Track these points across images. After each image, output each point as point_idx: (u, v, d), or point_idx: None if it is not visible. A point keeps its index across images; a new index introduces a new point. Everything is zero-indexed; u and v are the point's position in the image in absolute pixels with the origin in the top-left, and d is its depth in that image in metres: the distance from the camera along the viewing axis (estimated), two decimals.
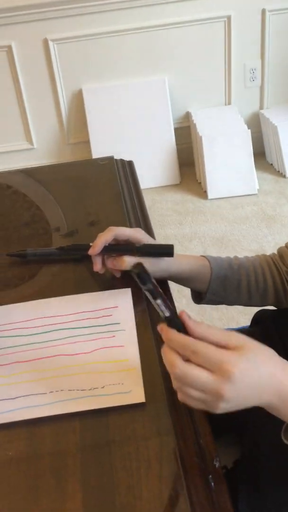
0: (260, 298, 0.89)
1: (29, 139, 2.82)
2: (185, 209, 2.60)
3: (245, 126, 2.66)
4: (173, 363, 0.53)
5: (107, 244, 0.79)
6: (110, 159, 1.23)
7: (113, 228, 0.80)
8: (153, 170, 2.78)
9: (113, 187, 1.12)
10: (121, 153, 2.46)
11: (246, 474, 0.78)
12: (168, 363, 0.54)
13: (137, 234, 0.81)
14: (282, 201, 2.54)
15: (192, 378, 0.52)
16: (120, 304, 0.77)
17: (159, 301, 0.56)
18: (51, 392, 0.63)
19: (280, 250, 0.91)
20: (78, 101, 2.74)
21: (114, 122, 2.74)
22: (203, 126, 2.68)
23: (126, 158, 1.27)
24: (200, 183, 2.77)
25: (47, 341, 0.71)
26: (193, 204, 2.63)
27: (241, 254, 0.94)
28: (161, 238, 2.32)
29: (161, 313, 0.56)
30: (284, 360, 0.58)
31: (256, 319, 1.01)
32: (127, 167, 1.22)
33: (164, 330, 0.56)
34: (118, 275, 0.83)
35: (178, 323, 0.56)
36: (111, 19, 2.55)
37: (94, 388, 0.63)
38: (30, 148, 2.84)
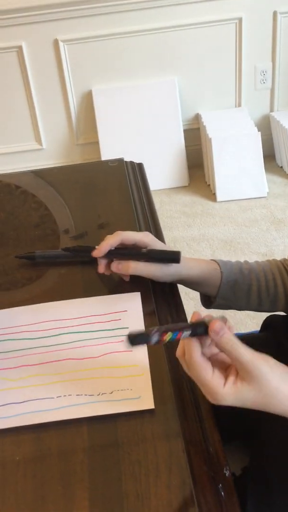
0: (270, 304, 0.87)
1: (38, 139, 2.82)
2: (194, 211, 2.59)
3: (255, 129, 2.64)
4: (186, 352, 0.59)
5: (112, 248, 0.78)
6: (120, 161, 1.22)
7: (120, 233, 0.79)
8: (162, 171, 2.77)
9: (123, 190, 1.11)
10: (130, 154, 2.45)
11: (255, 481, 0.77)
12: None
13: (145, 239, 0.80)
14: None
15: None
16: (129, 308, 0.76)
17: (173, 337, 0.57)
18: (59, 396, 0.63)
19: None
20: (87, 102, 2.74)
21: (123, 123, 2.73)
22: (213, 128, 2.66)
23: (135, 159, 1.26)
24: (209, 185, 2.75)
25: (55, 345, 0.71)
26: (202, 206, 2.62)
27: (250, 257, 0.93)
28: (169, 240, 2.31)
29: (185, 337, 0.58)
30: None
31: (267, 324, 1.00)
32: (137, 169, 1.21)
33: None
34: (126, 279, 0.82)
35: (202, 332, 0.58)
36: (121, 20, 2.55)
37: (103, 394, 0.63)
38: (39, 149, 2.84)
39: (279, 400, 0.57)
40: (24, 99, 2.71)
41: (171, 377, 0.66)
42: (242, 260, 0.89)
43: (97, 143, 2.77)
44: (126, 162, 1.22)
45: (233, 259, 0.89)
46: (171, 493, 0.53)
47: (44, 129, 2.80)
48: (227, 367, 0.60)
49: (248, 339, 1.00)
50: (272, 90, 2.81)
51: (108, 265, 0.81)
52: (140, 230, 0.98)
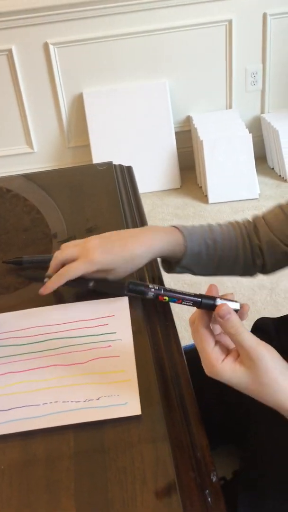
0: (228, 270, 0.89)
1: (29, 143, 2.82)
2: (186, 213, 2.59)
3: (246, 130, 2.65)
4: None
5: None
6: (109, 164, 1.22)
7: (63, 275, 0.76)
8: (153, 174, 2.77)
9: (111, 193, 1.11)
10: (122, 157, 2.45)
11: (245, 485, 0.77)
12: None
13: (89, 271, 0.76)
14: None
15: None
16: (116, 313, 0.75)
17: (173, 299, 0.61)
18: (45, 404, 0.62)
19: (256, 221, 0.90)
20: (78, 105, 2.74)
21: (114, 126, 2.73)
22: (204, 130, 2.67)
23: (127, 161, 1.26)
24: (201, 187, 2.76)
25: (41, 351, 0.70)
26: (194, 208, 2.62)
27: None
28: None
29: (186, 304, 0.62)
30: None
31: (257, 326, 1.00)
32: (126, 173, 1.21)
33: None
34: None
35: (209, 303, 0.60)
36: (111, 23, 2.55)
37: (89, 400, 0.62)
38: (30, 152, 2.84)
39: (274, 391, 0.57)
40: (14, 102, 2.70)
41: (158, 382, 0.66)
42: None
43: (88, 146, 2.77)
44: (115, 165, 1.22)
45: (198, 225, 0.88)
46: (157, 500, 0.53)
47: (35, 132, 2.79)
48: (231, 349, 0.61)
49: None
50: (263, 92, 2.82)
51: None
52: None
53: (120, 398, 0.62)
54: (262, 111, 2.87)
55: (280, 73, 2.77)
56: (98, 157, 2.73)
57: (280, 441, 0.77)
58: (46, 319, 0.76)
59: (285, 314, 0.97)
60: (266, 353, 0.57)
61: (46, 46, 2.57)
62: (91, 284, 0.79)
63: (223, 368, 0.58)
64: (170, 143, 2.76)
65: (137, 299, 0.79)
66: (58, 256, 0.78)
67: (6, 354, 0.70)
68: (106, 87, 2.71)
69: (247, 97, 2.83)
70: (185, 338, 1.81)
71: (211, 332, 0.60)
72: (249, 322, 1.03)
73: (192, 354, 0.92)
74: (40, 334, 0.73)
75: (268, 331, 0.93)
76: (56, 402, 0.62)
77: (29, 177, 1.26)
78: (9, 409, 0.62)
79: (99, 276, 0.78)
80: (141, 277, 0.86)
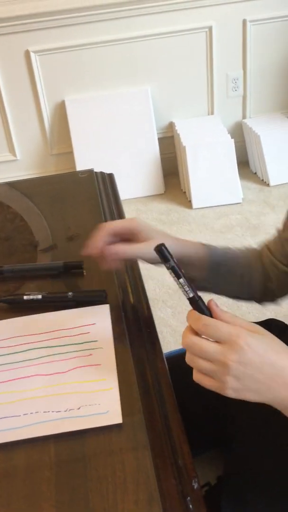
0: (247, 294, 0.89)
1: (12, 150, 2.81)
2: (170, 218, 2.60)
3: (229, 136, 2.67)
4: (184, 335, 0.57)
5: (106, 241, 0.76)
6: (90, 171, 1.22)
7: (104, 226, 0.77)
8: (137, 180, 2.78)
9: (92, 201, 1.11)
10: (105, 164, 2.45)
11: (228, 490, 0.77)
12: (182, 336, 0.58)
13: (130, 226, 0.77)
14: (266, 210, 2.55)
15: (200, 347, 0.56)
16: (98, 321, 0.75)
17: (182, 280, 0.59)
18: (26, 414, 0.62)
19: (260, 246, 0.91)
20: (61, 112, 2.74)
21: (97, 133, 2.73)
22: (187, 136, 2.68)
23: (110, 168, 1.26)
24: (184, 192, 2.77)
25: (22, 361, 0.70)
26: (177, 213, 2.63)
27: None
28: None
29: (184, 294, 0.60)
30: None
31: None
32: (107, 180, 1.21)
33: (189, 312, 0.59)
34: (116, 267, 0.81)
35: (202, 306, 0.59)
36: (93, 31, 2.56)
37: (70, 410, 0.62)
38: (13, 160, 2.83)
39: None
40: None
41: (139, 390, 0.66)
42: None
43: (71, 153, 2.76)
44: (96, 172, 1.22)
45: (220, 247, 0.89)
46: (138, 509, 0.53)
47: (17, 140, 2.78)
48: None
49: None
50: (244, 97, 2.84)
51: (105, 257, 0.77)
52: None
53: (101, 407, 0.62)
54: (244, 117, 2.90)
55: (260, 78, 2.80)
56: (81, 164, 2.73)
57: (263, 447, 0.77)
58: (28, 328, 0.75)
59: (269, 318, 0.98)
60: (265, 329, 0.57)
61: (27, 54, 2.57)
62: (69, 294, 0.79)
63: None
64: (153, 149, 2.77)
65: (118, 307, 0.79)
66: None
67: None
68: (88, 94, 2.71)
69: (229, 103, 2.85)
70: (170, 343, 1.82)
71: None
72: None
73: (177, 360, 0.92)
74: (20, 344, 0.73)
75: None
76: (37, 412, 0.62)
77: (12, 185, 1.25)
78: None
79: None
80: (123, 284, 0.86)
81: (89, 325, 0.75)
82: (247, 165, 2.89)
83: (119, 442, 0.59)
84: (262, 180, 2.78)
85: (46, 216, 1.08)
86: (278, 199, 2.62)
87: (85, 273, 0.87)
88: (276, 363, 0.55)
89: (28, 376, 0.67)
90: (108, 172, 1.25)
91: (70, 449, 0.59)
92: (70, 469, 0.57)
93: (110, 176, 1.23)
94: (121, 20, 2.55)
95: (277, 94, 2.87)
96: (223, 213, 2.57)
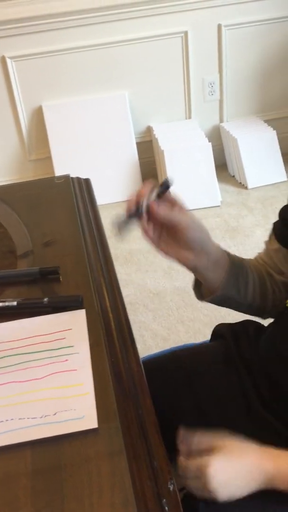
0: (260, 301, 0.88)
1: None
2: None
3: (206, 140, 2.69)
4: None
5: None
6: (66, 177, 1.22)
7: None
8: (116, 184, 2.78)
9: (68, 206, 1.11)
10: (84, 169, 2.45)
11: None
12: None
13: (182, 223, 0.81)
14: (244, 212, 2.57)
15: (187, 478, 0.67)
16: (73, 326, 0.76)
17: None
18: (1, 421, 0.62)
19: (269, 254, 0.92)
20: (38, 117, 2.73)
21: (75, 138, 2.73)
22: (165, 140, 2.69)
23: (89, 173, 1.26)
24: None
25: None
26: None
27: None
28: (125, 253, 2.32)
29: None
30: (262, 447, 0.68)
31: (215, 333, 1.01)
32: (84, 185, 1.21)
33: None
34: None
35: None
36: (69, 36, 2.56)
37: (46, 416, 0.62)
38: None
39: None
40: None
41: (116, 394, 0.66)
42: None
43: (50, 158, 2.76)
44: (72, 178, 1.22)
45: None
46: (114, 511, 0.53)
47: None
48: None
49: (200, 349, 1.01)
50: (221, 101, 2.87)
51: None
52: (85, 245, 0.98)
53: (76, 412, 0.62)
54: (221, 120, 2.92)
55: (236, 82, 2.83)
56: (60, 169, 2.72)
57: None
58: (3, 335, 0.75)
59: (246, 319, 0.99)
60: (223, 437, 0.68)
61: (3, 60, 2.56)
62: (45, 300, 0.79)
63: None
64: (131, 154, 2.78)
65: (94, 312, 0.80)
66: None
67: None
68: (66, 99, 2.71)
69: (206, 107, 2.87)
70: (152, 347, 1.82)
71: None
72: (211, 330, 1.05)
73: (157, 363, 0.93)
74: None
75: (226, 337, 0.95)
76: (12, 419, 0.62)
77: None
78: None
79: None
80: (99, 288, 0.86)
81: (65, 330, 0.75)
82: (225, 168, 2.91)
83: (95, 447, 0.59)
84: (240, 183, 2.80)
85: (22, 222, 1.08)
86: (256, 202, 2.65)
87: (61, 279, 0.87)
88: (243, 465, 0.66)
89: (3, 384, 0.67)
90: (86, 177, 1.25)
91: (46, 455, 0.59)
92: (47, 475, 0.57)
93: (87, 181, 1.23)
94: (97, 25, 2.56)
95: (252, 97, 2.90)
96: (202, 216, 2.59)
